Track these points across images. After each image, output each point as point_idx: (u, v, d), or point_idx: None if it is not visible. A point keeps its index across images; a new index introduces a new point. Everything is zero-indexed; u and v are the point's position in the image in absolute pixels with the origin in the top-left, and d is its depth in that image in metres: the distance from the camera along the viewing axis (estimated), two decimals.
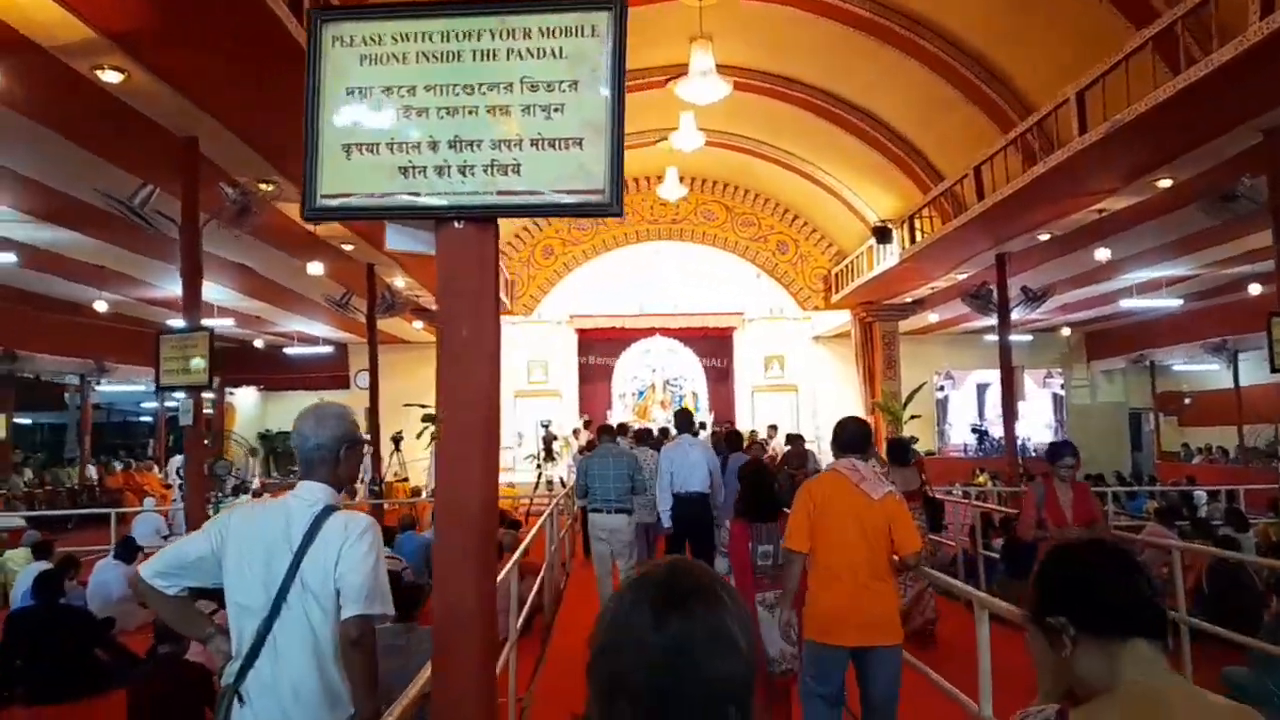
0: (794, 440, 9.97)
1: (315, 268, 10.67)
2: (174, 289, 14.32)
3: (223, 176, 7.49)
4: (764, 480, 4.48)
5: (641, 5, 10.53)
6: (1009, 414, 13.02)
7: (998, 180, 10.21)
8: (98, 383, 19.10)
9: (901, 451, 6.86)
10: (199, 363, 6.92)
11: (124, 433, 30.33)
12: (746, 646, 0.97)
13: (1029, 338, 21.04)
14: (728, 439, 9.21)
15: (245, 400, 24.38)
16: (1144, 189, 9.36)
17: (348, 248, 11.16)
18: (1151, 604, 1.38)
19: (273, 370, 22.81)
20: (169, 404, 23.81)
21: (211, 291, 14.33)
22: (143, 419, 30.33)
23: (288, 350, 21.03)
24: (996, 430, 20.43)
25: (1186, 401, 21.92)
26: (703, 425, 18.81)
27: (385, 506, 12.42)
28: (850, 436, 3.85)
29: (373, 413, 12.79)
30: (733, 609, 0.98)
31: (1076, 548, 1.49)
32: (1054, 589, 1.44)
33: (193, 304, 7.14)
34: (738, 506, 4.54)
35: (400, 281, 13.76)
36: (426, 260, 8.87)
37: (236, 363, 22.72)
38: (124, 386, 23.60)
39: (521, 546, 6.46)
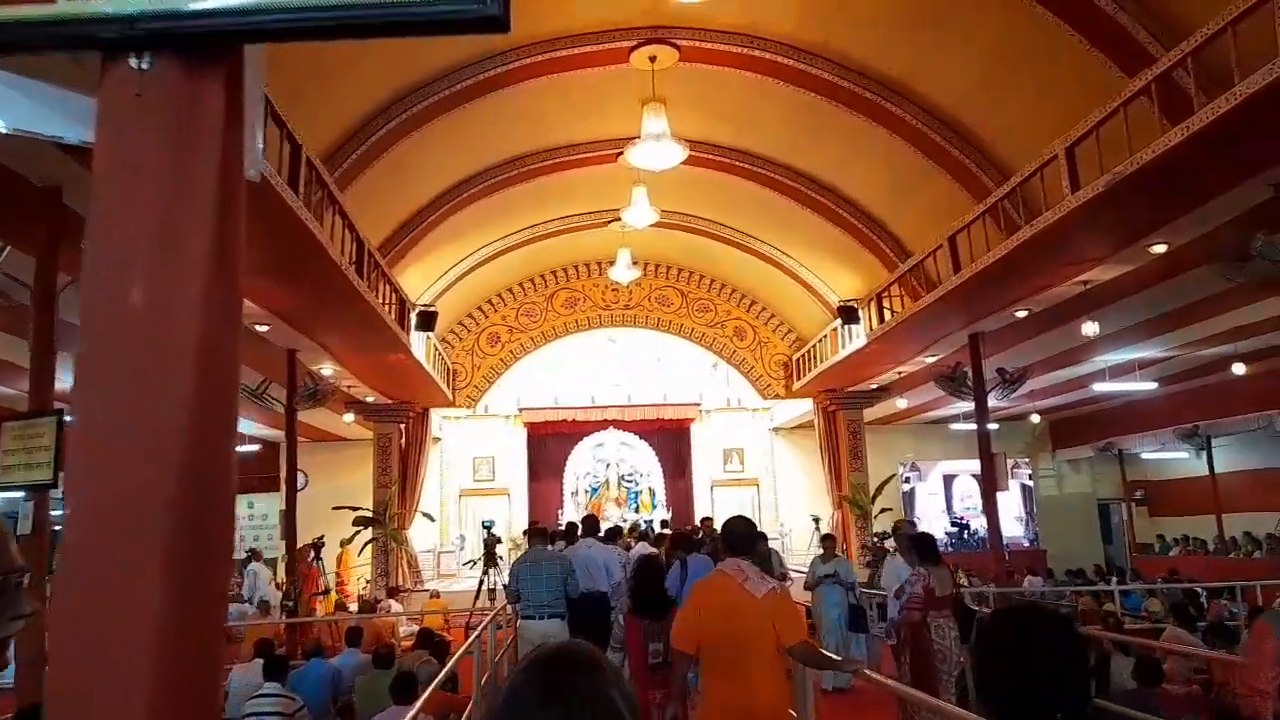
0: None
1: None
2: (68, 382, 12.92)
3: None
4: (654, 576, 4.61)
5: (591, 68, 9.81)
6: (991, 506, 12.04)
7: (974, 252, 9.47)
8: None
9: (931, 548, 5.72)
10: (43, 456, 5.59)
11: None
12: (630, 715, 1.07)
13: (995, 426, 20.28)
14: (676, 541, 8.32)
15: None
16: (1136, 256, 8.63)
17: (262, 328, 9.93)
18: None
19: None
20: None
21: None
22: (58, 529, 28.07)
23: None
24: (974, 523, 19.46)
25: (1138, 494, 21.16)
26: (664, 524, 17.57)
27: (300, 625, 10.83)
28: (736, 538, 3.96)
29: (289, 517, 11.32)
30: (615, 682, 1.09)
31: (1005, 632, 1.48)
32: (988, 683, 1.47)
33: (43, 383, 5.87)
34: (631, 603, 4.66)
35: (328, 369, 12.51)
36: (362, 346, 7.59)
37: None
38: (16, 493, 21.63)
39: (440, 677, 5.17)
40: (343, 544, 13.39)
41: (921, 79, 9.50)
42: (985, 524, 17.94)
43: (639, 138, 9.45)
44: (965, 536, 19.16)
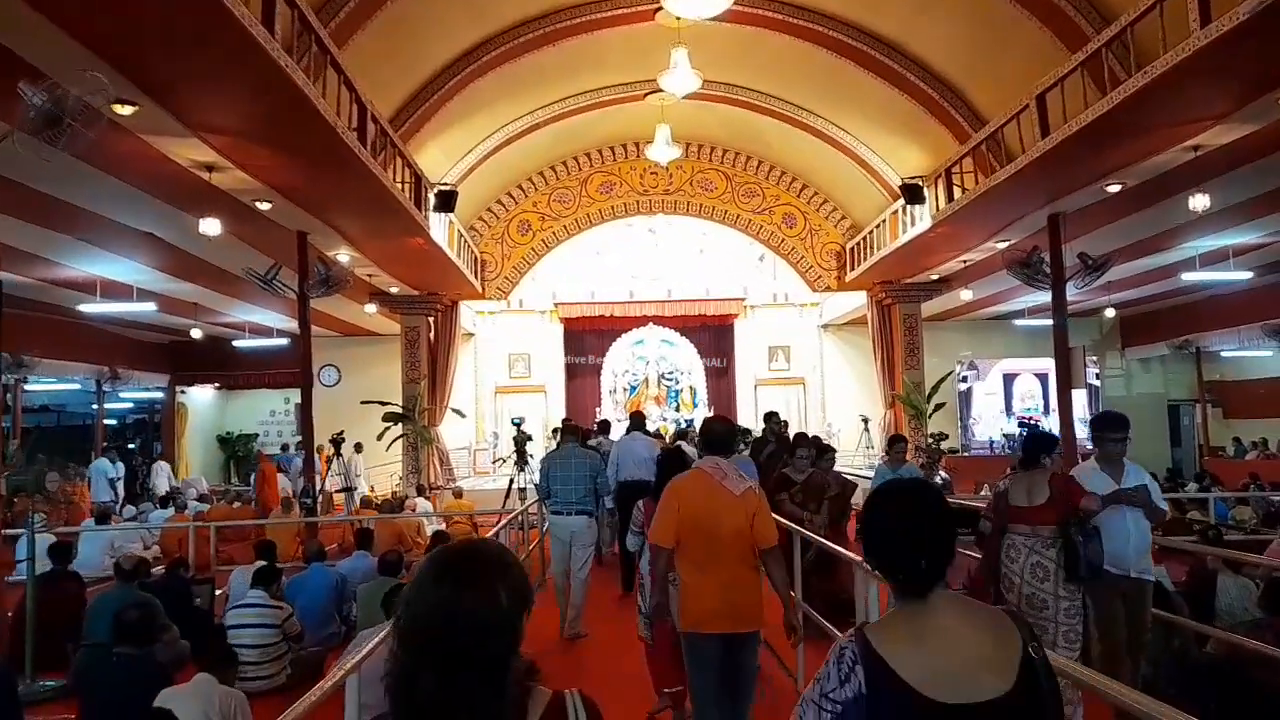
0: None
1: (210, 225, 8.50)
2: (87, 267, 12.26)
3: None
4: (677, 465, 4.58)
5: None
6: (1065, 403, 10.99)
7: (1068, 114, 8.13)
8: (20, 379, 16.85)
9: (1031, 447, 4.59)
10: None
11: (78, 437, 28.03)
12: (507, 599, 1.33)
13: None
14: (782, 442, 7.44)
15: (200, 400, 22.26)
16: (1263, 112, 7.28)
17: (263, 206, 9.04)
18: (916, 569, 1.75)
19: (228, 367, 20.67)
20: (109, 405, 21.84)
21: (127, 270, 12.27)
22: (105, 422, 28.08)
23: (239, 344, 18.86)
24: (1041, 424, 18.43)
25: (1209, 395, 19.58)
26: (746, 432, 15.57)
27: (320, 524, 10.29)
28: (715, 436, 4.05)
29: (305, 409, 10.69)
30: (502, 573, 1.35)
31: (883, 503, 1.85)
32: (869, 541, 1.86)
33: None
34: (653, 491, 4.74)
35: (345, 255, 11.65)
36: (376, 228, 6.56)
37: (186, 358, 20.61)
38: (66, 385, 21.50)
39: None
40: (317, 448, 12.19)
41: None
42: (1053, 425, 17.07)
43: None
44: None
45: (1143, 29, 7.00)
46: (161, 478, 17.08)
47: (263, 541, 7.07)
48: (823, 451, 7.12)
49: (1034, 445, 4.54)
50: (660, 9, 10.25)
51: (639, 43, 11.33)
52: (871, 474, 15.30)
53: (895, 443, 7.51)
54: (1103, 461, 4.61)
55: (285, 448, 18.63)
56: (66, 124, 5.19)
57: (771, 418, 9.37)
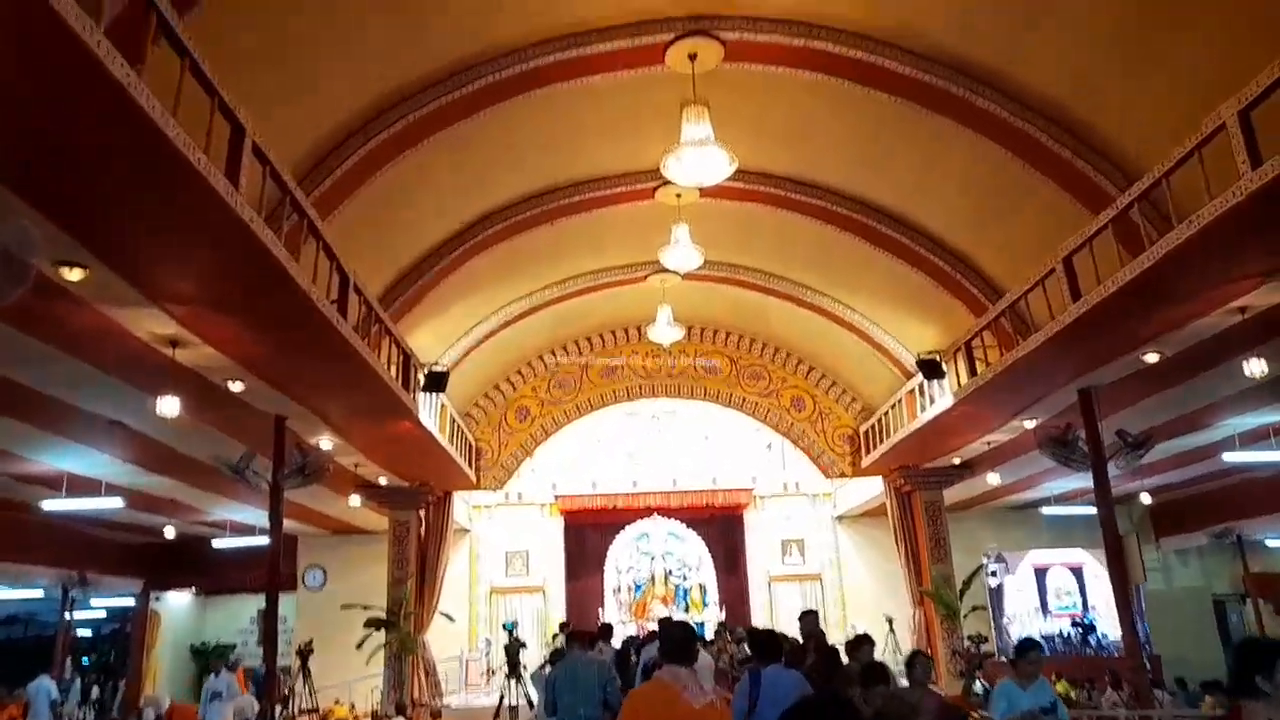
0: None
1: (169, 405, 7.66)
2: (51, 460, 11.43)
3: None
4: None
5: (619, 71, 8.32)
6: (1124, 601, 9.77)
7: (1099, 276, 7.58)
8: None
9: (1249, 665, 2.80)
10: None
11: (47, 650, 26.02)
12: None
13: (1088, 510, 17.75)
14: (756, 645, 5.92)
15: (175, 606, 20.77)
16: None
17: (236, 386, 8.34)
18: None
19: (207, 570, 19.32)
20: (82, 613, 20.32)
21: (93, 463, 11.43)
22: (80, 633, 26.14)
23: (218, 544, 17.66)
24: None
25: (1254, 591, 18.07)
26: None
27: None
28: (674, 643, 3.83)
29: (269, 615, 9.51)
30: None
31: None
32: None
33: None
34: None
35: (327, 442, 10.85)
36: (365, 416, 5.60)
37: (161, 561, 19.34)
38: (27, 592, 20.06)
39: None
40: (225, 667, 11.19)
41: (1023, 66, 7.78)
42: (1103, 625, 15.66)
43: (677, 145, 7.80)
44: (1089, 639, 16.66)
45: (1179, 179, 6.54)
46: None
47: None
48: (859, 643, 5.90)
49: (1245, 659, 2.91)
50: (661, 185, 10.05)
51: (640, 221, 11.08)
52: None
53: (1027, 650, 5.41)
54: None
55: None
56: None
57: (808, 618, 7.79)
